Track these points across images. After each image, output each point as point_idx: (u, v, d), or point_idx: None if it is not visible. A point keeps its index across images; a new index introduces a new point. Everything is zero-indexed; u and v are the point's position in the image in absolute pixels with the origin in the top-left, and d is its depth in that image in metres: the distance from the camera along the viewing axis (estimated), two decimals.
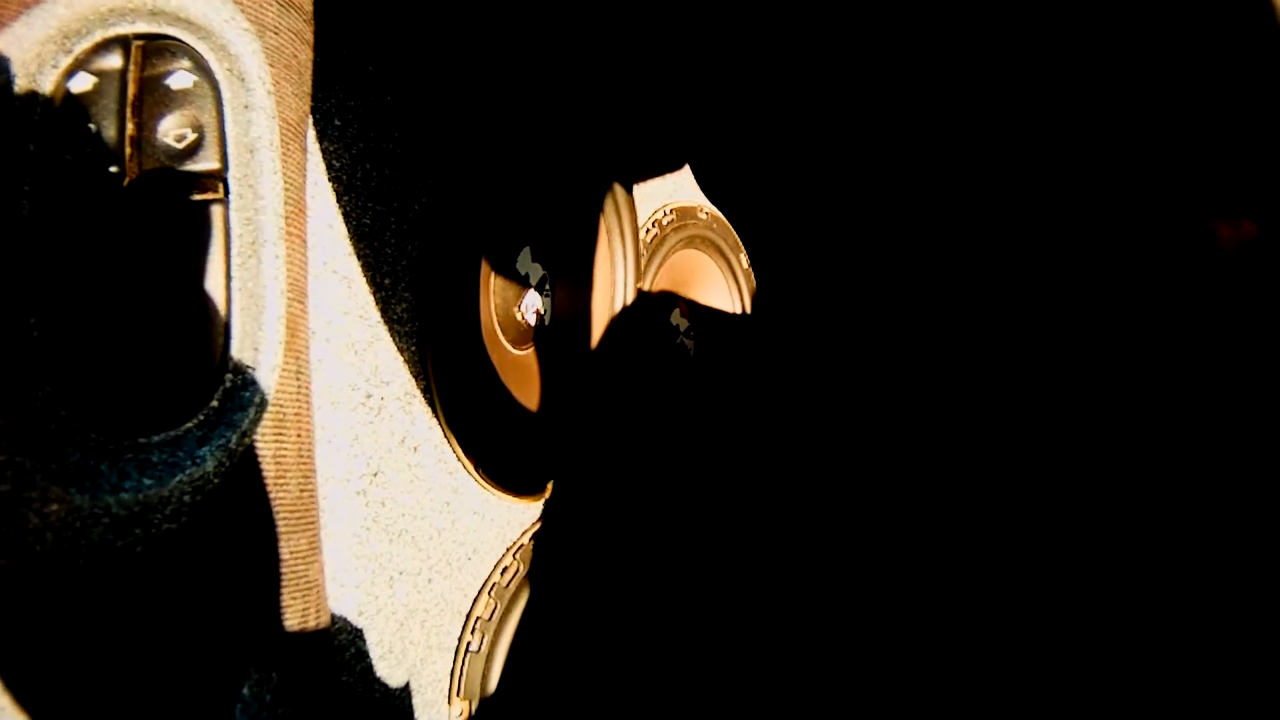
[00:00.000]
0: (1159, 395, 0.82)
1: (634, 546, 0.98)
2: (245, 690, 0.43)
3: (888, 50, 0.89)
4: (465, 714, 0.74)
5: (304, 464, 0.48)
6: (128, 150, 0.41)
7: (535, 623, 0.81)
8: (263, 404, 0.44)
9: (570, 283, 0.90)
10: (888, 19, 0.85)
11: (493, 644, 0.77)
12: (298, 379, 0.47)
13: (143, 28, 0.41)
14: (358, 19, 0.64)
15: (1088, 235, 0.85)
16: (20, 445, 0.36)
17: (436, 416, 0.71)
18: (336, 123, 0.62)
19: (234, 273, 0.43)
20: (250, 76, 0.44)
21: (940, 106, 0.91)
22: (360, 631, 0.63)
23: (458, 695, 0.74)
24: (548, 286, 0.86)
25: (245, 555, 0.44)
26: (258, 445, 0.44)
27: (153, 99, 0.42)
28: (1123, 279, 0.83)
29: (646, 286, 1.00)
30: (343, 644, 0.61)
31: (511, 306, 0.81)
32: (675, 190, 1.08)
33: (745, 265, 1.19)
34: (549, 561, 0.84)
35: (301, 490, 0.48)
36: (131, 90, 0.41)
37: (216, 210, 0.43)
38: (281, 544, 0.46)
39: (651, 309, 1.04)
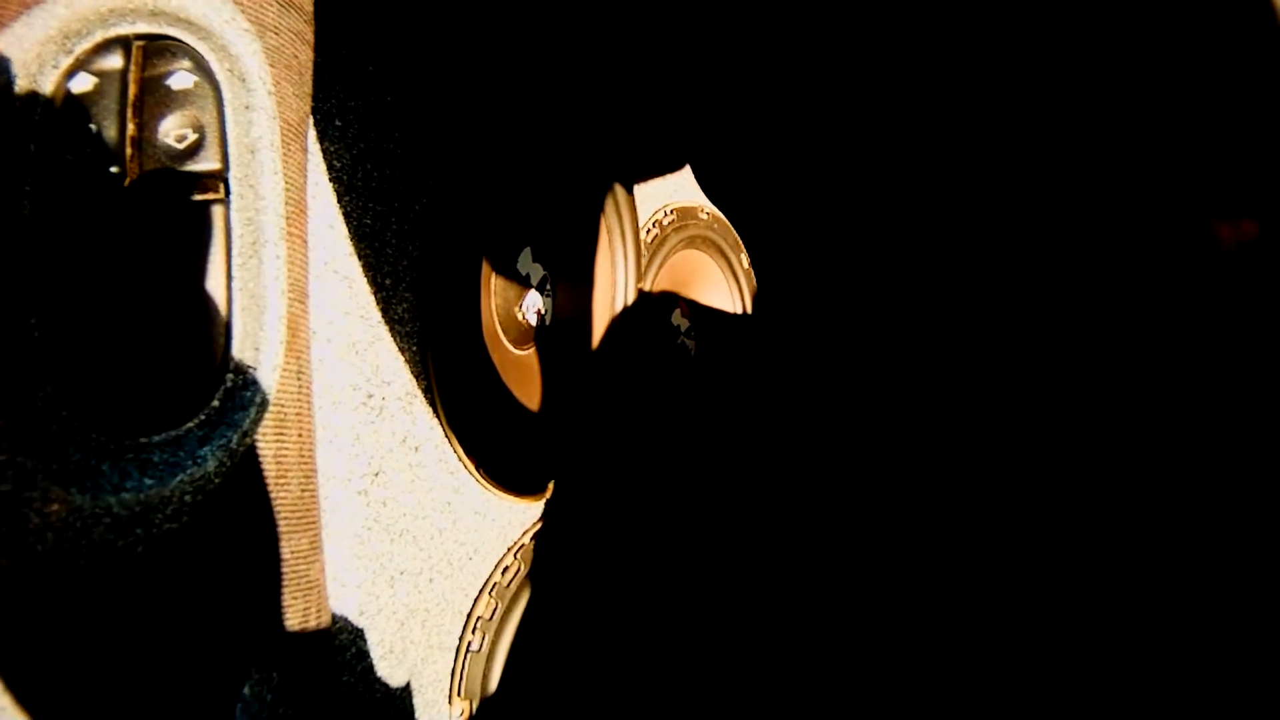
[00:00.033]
0: (1159, 395, 0.81)
1: (634, 546, 0.98)
2: (246, 690, 0.43)
3: (888, 50, 0.89)
4: (466, 714, 0.74)
5: (305, 464, 0.48)
6: (128, 150, 0.41)
7: (536, 622, 0.81)
8: (264, 404, 0.44)
9: (571, 283, 0.90)
10: (888, 19, 0.85)
11: (494, 644, 0.77)
12: (299, 379, 0.47)
13: (143, 28, 0.41)
14: (358, 19, 0.64)
15: (1088, 235, 0.85)
16: (21, 445, 0.36)
17: (438, 416, 0.71)
18: (337, 123, 0.62)
19: (235, 273, 0.43)
20: (251, 77, 0.44)
21: (940, 106, 0.91)
22: (361, 631, 0.63)
23: (458, 695, 0.74)
24: (548, 286, 0.86)
25: (246, 555, 0.44)
26: (259, 445, 0.44)
27: (153, 99, 0.42)
28: (1123, 279, 0.82)
29: (647, 287, 1.00)
30: (344, 644, 0.61)
31: (512, 306, 0.81)
32: (676, 190, 1.08)
33: (746, 265, 1.19)
34: (550, 561, 0.84)
35: (303, 490, 0.48)
36: (132, 90, 0.41)
37: (217, 210, 0.43)
38: (283, 544, 0.46)
39: (652, 309, 1.04)
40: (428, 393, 0.70)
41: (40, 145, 0.38)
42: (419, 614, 0.69)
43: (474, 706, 0.75)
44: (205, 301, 0.42)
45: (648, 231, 1.01)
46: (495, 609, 0.77)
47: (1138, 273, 0.81)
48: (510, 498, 0.79)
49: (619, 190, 0.92)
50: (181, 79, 0.42)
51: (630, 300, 0.94)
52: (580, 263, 0.90)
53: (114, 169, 0.40)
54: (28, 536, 0.35)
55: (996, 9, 0.78)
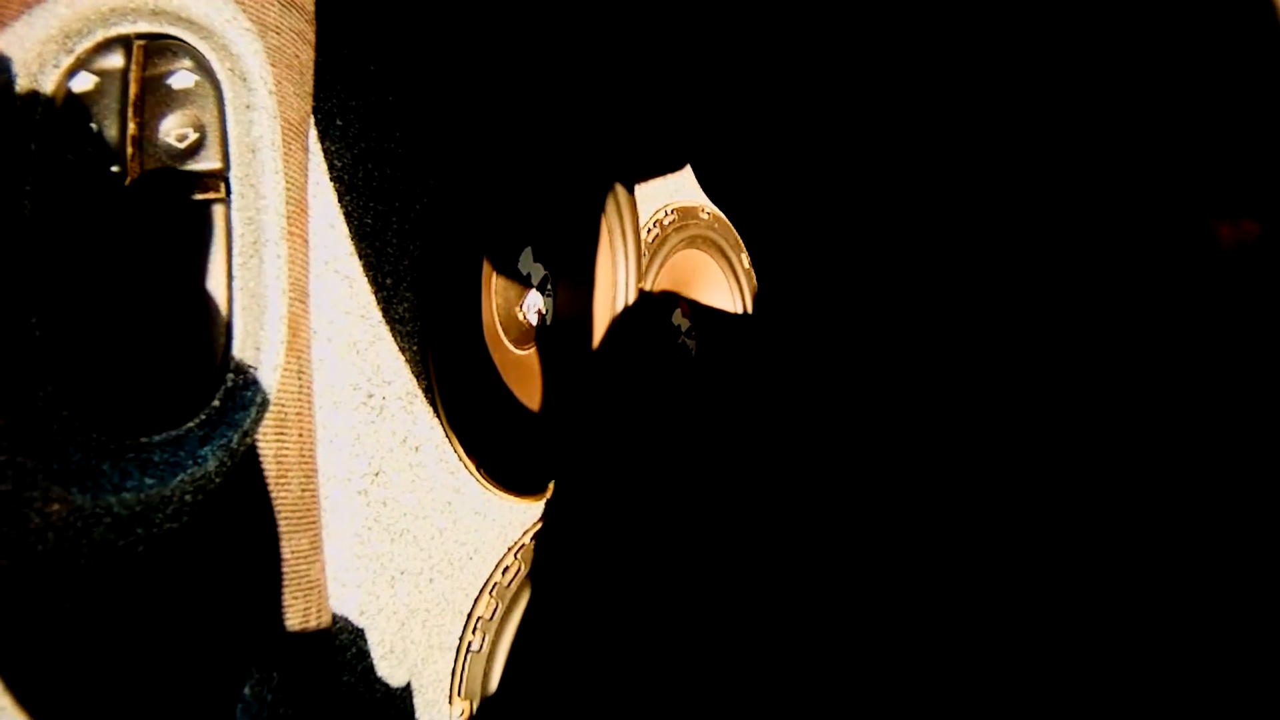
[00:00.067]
0: (1159, 395, 0.81)
1: (635, 546, 0.98)
2: (246, 690, 0.43)
3: (888, 50, 0.89)
4: (466, 714, 0.74)
5: (305, 463, 0.48)
6: (129, 150, 0.41)
7: (537, 622, 0.81)
8: (264, 403, 0.44)
9: (572, 282, 0.90)
10: (888, 19, 0.85)
11: (494, 644, 0.77)
12: (299, 378, 0.47)
13: (144, 27, 0.41)
14: (359, 19, 0.64)
15: (1088, 235, 0.85)
16: (22, 445, 0.36)
17: (438, 416, 0.71)
18: (338, 122, 0.62)
19: (236, 272, 0.43)
20: (252, 76, 0.44)
21: (941, 106, 0.91)
22: (362, 631, 0.63)
23: (459, 695, 0.74)
24: (549, 286, 0.86)
25: (247, 555, 0.44)
26: (259, 445, 0.44)
27: (154, 99, 0.42)
28: (1123, 279, 0.82)
29: (648, 286, 1.00)
30: (344, 643, 0.61)
31: (513, 306, 0.81)
32: (677, 190, 1.08)
33: (747, 265, 1.19)
34: (550, 561, 0.84)
35: (303, 490, 0.48)
36: (133, 90, 0.41)
37: (218, 210, 0.43)
38: (283, 543, 0.46)
39: (653, 309, 1.04)
40: (428, 392, 0.70)
41: (41, 145, 0.38)
42: (419, 614, 0.69)
43: (474, 706, 0.75)
44: (206, 301, 0.42)
45: (648, 231, 1.01)
46: (495, 609, 0.77)
47: (1138, 272, 0.81)
48: (510, 498, 0.79)
49: (620, 190, 0.92)
50: (182, 78, 0.42)
51: (631, 300, 0.94)
52: (581, 262, 0.90)
53: (114, 168, 0.40)
54: (28, 536, 0.35)
55: (996, 9, 0.78)
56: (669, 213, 1.05)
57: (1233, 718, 0.74)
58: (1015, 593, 0.93)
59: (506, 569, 0.79)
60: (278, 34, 0.46)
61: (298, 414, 0.47)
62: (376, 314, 0.65)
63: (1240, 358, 0.74)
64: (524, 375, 0.83)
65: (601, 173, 0.91)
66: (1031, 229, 0.91)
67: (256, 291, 0.44)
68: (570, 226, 0.89)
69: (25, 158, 0.37)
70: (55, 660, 0.37)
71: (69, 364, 0.38)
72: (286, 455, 0.46)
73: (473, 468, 0.74)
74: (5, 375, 0.36)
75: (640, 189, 0.99)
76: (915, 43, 0.86)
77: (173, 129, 0.42)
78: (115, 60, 0.41)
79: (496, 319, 0.79)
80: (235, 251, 0.43)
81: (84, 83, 0.40)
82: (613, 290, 0.93)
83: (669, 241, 1.04)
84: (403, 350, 0.68)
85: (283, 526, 0.46)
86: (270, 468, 0.45)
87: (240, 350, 0.43)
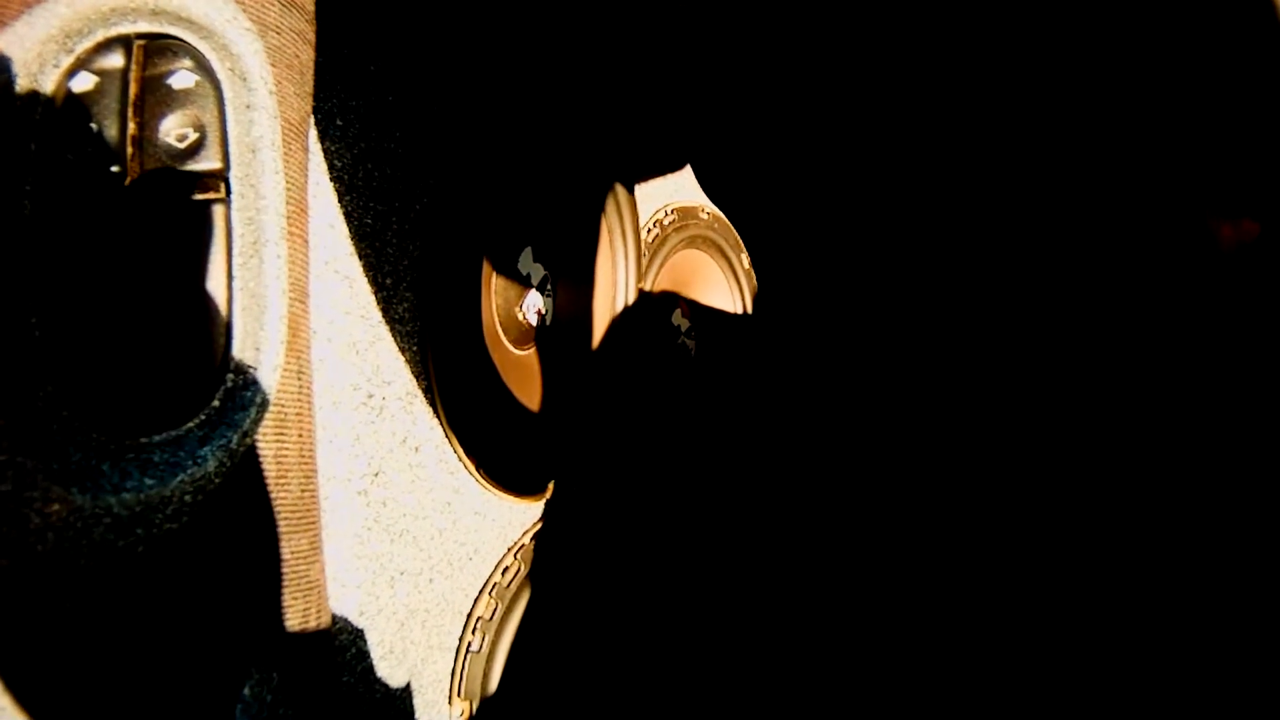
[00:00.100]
0: (1159, 395, 0.81)
1: (635, 546, 0.98)
2: (246, 690, 0.43)
3: (888, 50, 0.89)
4: (466, 714, 0.74)
5: (305, 464, 0.48)
6: (129, 150, 0.41)
7: (536, 623, 0.81)
8: (264, 404, 0.44)
9: (572, 283, 0.90)
10: (888, 19, 0.85)
11: (494, 644, 0.77)
12: (299, 379, 0.47)
13: (144, 27, 0.41)
14: (359, 19, 0.64)
15: (1088, 235, 0.85)
16: (22, 445, 0.36)
17: (438, 416, 0.71)
18: (338, 122, 0.62)
19: (235, 272, 0.43)
20: (252, 76, 0.44)
21: (941, 106, 0.91)
22: (361, 631, 0.63)
23: (458, 695, 0.74)
24: (549, 286, 0.86)
25: (246, 555, 0.44)
26: (259, 445, 0.44)
27: (154, 98, 0.42)
28: (1123, 279, 0.82)
29: (648, 286, 0.99)
30: (344, 644, 0.61)
31: (513, 306, 0.81)
32: (676, 190, 1.08)
33: (747, 265, 1.19)
34: (550, 561, 0.84)
35: (303, 490, 0.48)
36: (133, 90, 0.41)
37: (218, 210, 0.43)
38: (283, 544, 0.46)
39: (653, 309, 1.04)
40: (428, 393, 0.70)
41: (41, 144, 0.38)
42: (419, 614, 0.69)
43: (474, 707, 0.75)
44: (206, 301, 0.42)
45: (648, 231, 1.01)
46: (495, 609, 0.77)
47: (1138, 272, 0.81)
48: (510, 498, 0.79)
49: (620, 190, 0.92)
50: (182, 78, 0.42)
51: (631, 300, 0.94)
52: (581, 263, 0.90)
53: (114, 168, 0.40)
54: (28, 536, 0.35)
55: (996, 9, 0.78)
56: (669, 213, 1.05)
57: (1233, 718, 0.74)
58: (1015, 592, 0.93)
59: (506, 569, 0.79)
60: (278, 34, 0.46)
61: (297, 414, 0.47)
62: (376, 314, 0.65)
63: (1240, 358, 0.74)
64: (524, 375, 0.83)
65: (601, 173, 0.91)
66: (1032, 229, 0.91)
67: (256, 292, 0.44)
68: (570, 226, 0.89)
69: (25, 158, 0.37)
70: (55, 660, 0.37)
71: (69, 364, 0.38)
72: (286, 455, 0.46)
73: (472, 468, 0.74)
74: (5, 375, 0.36)
75: (640, 189, 0.99)
76: (915, 43, 0.86)
77: (173, 129, 0.42)
78: (115, 60, 0.41)
79: (496, 319, 0.79)
80: (235, 251, 0.43)
81: (84, 83, 0.40)
82: (613, 290, 0.93)
83: (669, 241, 1.04)
84: (402, 350, 0.68)
85: (282, 527, 0.46)
86: (270, 468, 0.45)
87: (240, 350, 0.43)
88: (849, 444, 1.15)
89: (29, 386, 0.37)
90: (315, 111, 0.59)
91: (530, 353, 0.84)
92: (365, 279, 0.64)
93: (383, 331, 0.66)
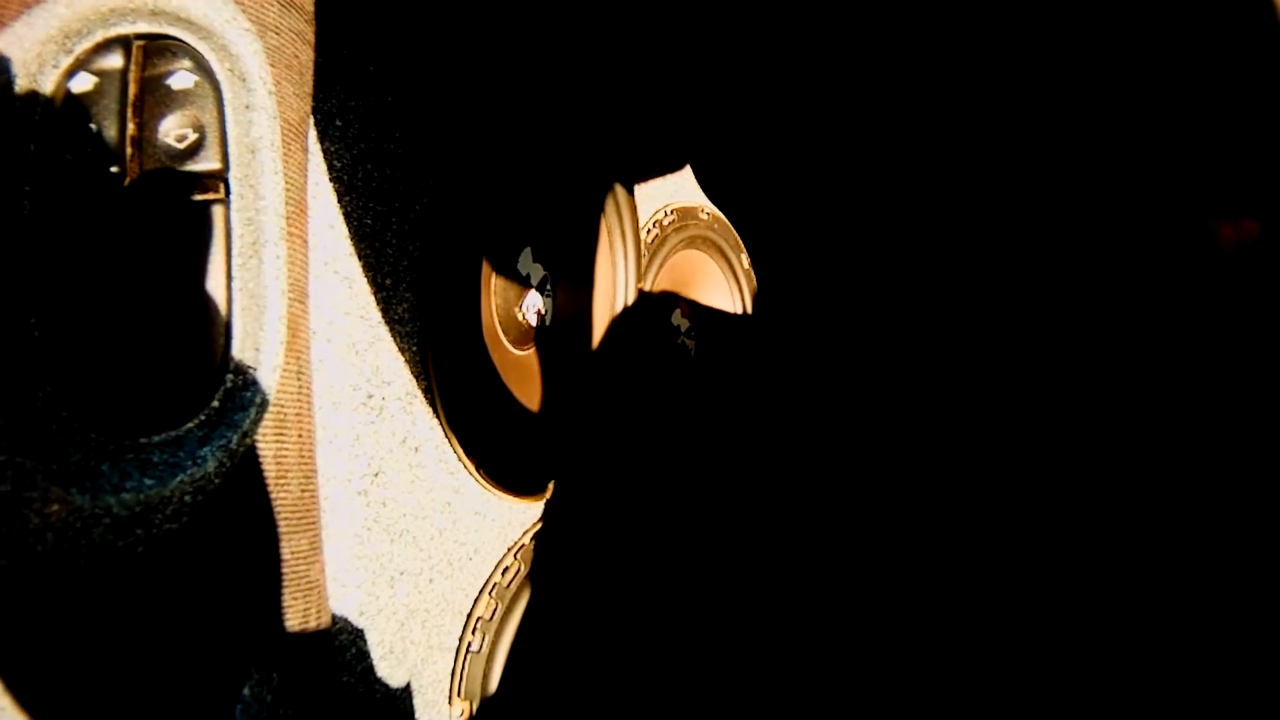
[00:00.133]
0: (1159, 395, 0.81)
1: (635, 546, 0.98)
2: (246, 690, 0.43)
3: (888, 50, 0.89)
4: (466, 714, 0.74)
5: (305, 464, 0.48)
6: (128, 150, 0.41)
7: (536, 623, 0.81)
8: (264, 404, 0.44)
9: (571, 283, 0.90)
10: (887, 19, 0.85)
11: (494, 644, 0.77)
12: (299, 379, 0.47)
13: (144, 28, 0.41)
14: (359, 19, 0.64)
15: (1088, 235, 0.85)
16: (21, 445, 0.36)
17: (438, 417, 0.71)
18: (338, 123, 0.62)
19: (235, 273, 0.43)
20: (251, 76, 0.44)
21: (941, 106, 0.91)
22: (361, 632, 0.63)
23: (458, 695, 0.74)
24: (549, 287, 0.86)
25: (246, 555, 0.44)
26: (259, 445, 0.44)
27: (154, 99, 0.42)
28: (1124, 279, 0.82)
29: (647, 287, 0.99)
30: (344, 644, 0.61)
31: (513, 307, 0.81)
32: (676, 190, 1.08)
33: (746, 265, 1.19)
34: (550, 561, 0.84)
35: (302, 490, 0.48)
36: (132, 90, 0.41)
37: (217, 210, 0.43)
38: (282, 544, 0.46)
39: (652, 309, 1.04)
40: (428, 393, 0.70)
41: (40, 145, 0.38)
42: (419, 614, 0.69)
43: (474, 707, 0.75)
44: (205, 301, 0.42)
45: (648, 231, 1.01)
46: (495, 609, 0.77)
47: (1138, 272, 0.81)
48: (510, 498, 0.79)
49: (619, 190, 0.92)
50: (182, 79, 0.42)
51: (630, 300, 0.94)
52: (580, 263, 0.90)
53: (114, 169, 0.40)
54: (28, 537, 0.35)
55: (996, 9, 0.78)
56: (669, 213, 1.05)
57: (1233, 718, 0.74)
58: (1015, 592, 0.93)
59: (506, 569, 0.79)
60: (277, 34, 0.46)
61: (297, 414, 0.47)
62: (376, 314, 0.65)
63: (1240, 358, 0.74)
64: (523, 375, 0.83)
65: (601, 173, 0.91)
66: (1032, 229, 0.91)
67: (256, 292, 0.44)
68: (570, 226, 0.89)
69: (25, 158, 0.37)
70: (55, 660, 0.37)
71: (69, 364, 0.38)
72: (286, 456, 0.46)
73: (472, 468, 0.74)
74: (5, 375, 0.36)
75: (640, 189, 0.99)
76: (915, 43, 0.86)
77: (172, 129, 0.42)
78: (114, 60, 0.41)
79: (496, 319, 0.79)
80: (235, 252, 0.43)
81: (83, 83, 0.40)
82: (612, 290, 0.93)
83: (669, 242, 1.04)
84: (402, 351, 0.68)
85: (282, 527, 0.46)
86: (270, 468, 0.45)
87: (240, 351, 0.43)
88: (849, 444, 1.15)
89: (29, 386, 0.37)
90: (315, 112, 0.59)
91: (530, 353, 0.84)
92: (365, 279, 0.64)
93: (382, 332, 0.66)
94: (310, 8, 0.49)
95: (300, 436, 0.48)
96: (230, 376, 0.43)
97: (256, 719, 0.43)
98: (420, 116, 0.70)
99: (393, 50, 0.67)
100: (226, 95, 0.44)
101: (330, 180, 0.61)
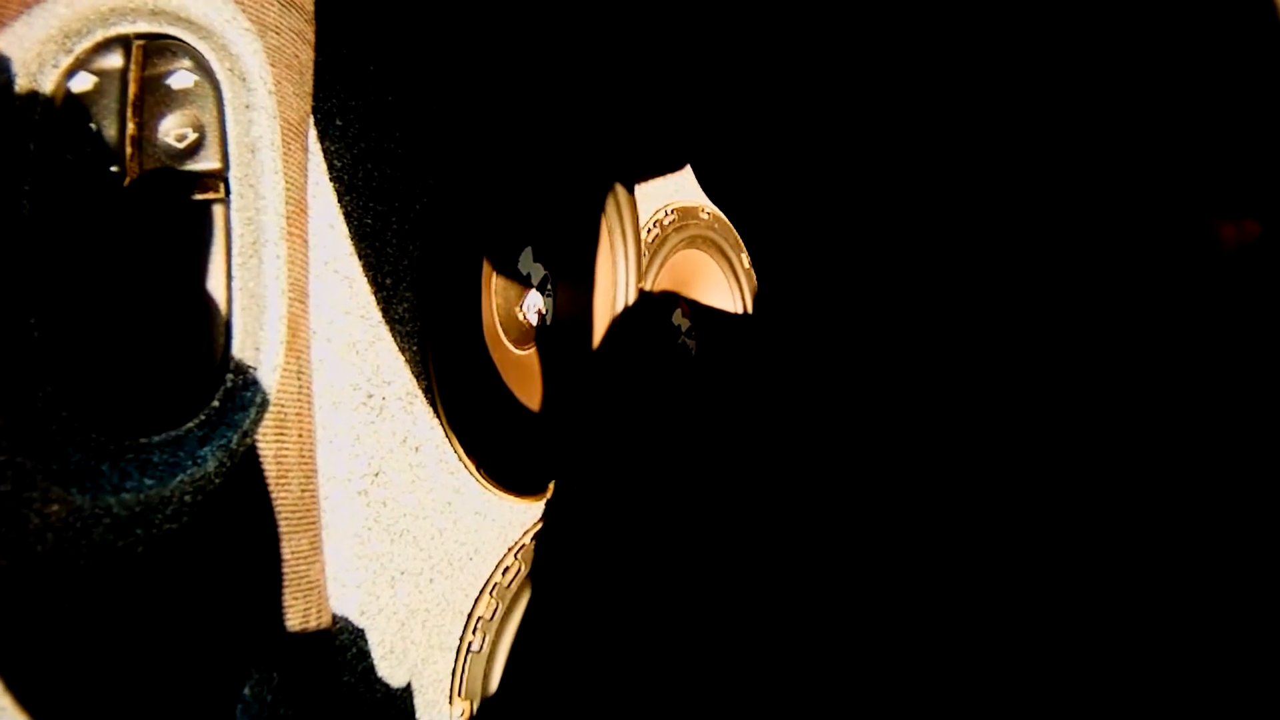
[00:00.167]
0: (1160, 395, 0.81)
1: (635, 546, 0.98)
2: (246, 690, 0.43)
3: (888, 50, 0.89)
4: (466, 714, 0.74)
5: (305, 464, 0.48)
6: (128, 150, 0.41)
7: (537, 622, 0.81)
8: (264, 404, 0.44)
9: (572, 283, 0.90)
10: (887, 19, 0.85)
11: (494, 644, 0.77)
12: (299, 379, 0.47)
13: (144, 27, 0.41)
14: (359, 19, 0.64)
15: (1089, 235, 0.85)
16: (21, 445, 0.36)
17: (438, 416, 0.71)
18: (338, 122, 0.62)
19: (235, 272, 0.43)
20: (251, 76, 0.44)
21: (941, 106, 0.91)
22: (362, 631, 0.63)
23: (459, 695, 0.74)
24: (549, 286, 0.86)
25: (247, 555, 0.44)
26: (259, 445, 0.44)
27: (153, 98, 0.42)
28: (1124, 279, 0.82)
29: (648, 286, 0.99)
30: (344, 644, 0.61)
31: (513, 306, 0.81)
32: (677, 190, 1.08)
33: (747, 265, 1.19)
34: (551, 561, 0.84)
35: (303, 490, 0.48)
36: (132, 90, 0.41)
37: (217, 210, 0.43)
38: (283, 544, 0.46)
39: (653, 309, 1.04)
40: (428, 393, 0.70)
41: (40, 145, 0.38)
42: (419, 614, 0.69)
43: (474, 707, 0.75)
44: (205, 301, 0.42)
45: (648, 231, 1.01)
46: (496, 609, 0.77)
47: (1139, 272, 0.81)
48: (510, 498, 0.79)
49: (620, 190, 0.92)
50: (182, 78, 0.42)
51: (631, 300, 0.94)
52: (581, 262, 0.90)
53: (114, 168, 0.40)
54: (28, 536, 0.35)
55: (996, 9, 0.77)
56: (669, 213, 1.05)
57: (1233, 718, 0.74)
58: (1015, 592, 0.93)
59: (506, 569, 0.79)
60: (277, 34, 0.46)
61: (297, 414, 0.47)
62: (376, 314, 0.65)
63: (1241, 357, 0.74)
64: (524, 375, 0.83)
65: (601, 173, 0.91)
66: (1032, 229, 0.91)
67: (256, 292, 0.44)
68: (570, 226, 0.89)
69: (25, 158, 0.37)
70: (55, 660, 0.37)
71: (69, 364, 0.38)
72: (286, 455, 0.46)
73: (473, 468, 0.74)
74: (5, 375, 0.36)
75: (640, 189, 0.99)
76: (915, 42, 0.86)
77: (172, 129, 0.42)
78: (114, 60, 0.41)
79: (496, 319, 0.79)
80: (235, 251, 0.43)
81: (83, 83, 0.40)
82: (613, 290, 0.93)
83: (669, 241, 1.04)
84: (402, 350, 0.68)
85: (283, 527, 0.46)
86: (270, 468, 0.45)
87: (240, 350, 0.43)
88: (849, 443, 1.15)
89: (29, 386, 0.37)
90: (315, 111, 0.59)
91: (530, 353, 0.84)
92: (365, 279, 0.64)
93: (383, 331, 0.66)
94: (310, 7, 0.49)
95: (300, 436, 0.48)
96: (230, 376, 0.43)
97: (257, 719, 0.43)
98: (420, 116, 0.70)
99: (393, 50, 0.67)
100: (226, 95, 0.44)
101: (330, 180, 0.61)
